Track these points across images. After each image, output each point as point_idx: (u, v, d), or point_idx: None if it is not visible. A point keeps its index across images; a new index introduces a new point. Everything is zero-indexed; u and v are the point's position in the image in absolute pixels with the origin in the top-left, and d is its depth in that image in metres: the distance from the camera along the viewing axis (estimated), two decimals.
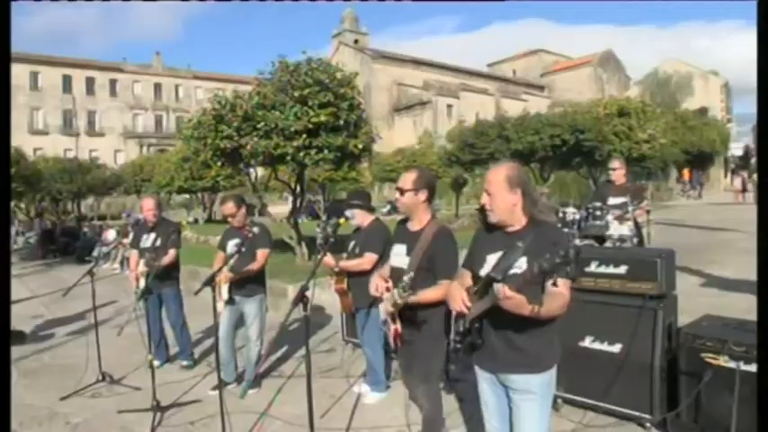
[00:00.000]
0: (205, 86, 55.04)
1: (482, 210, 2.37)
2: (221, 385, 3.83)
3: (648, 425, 3.51)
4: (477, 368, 2.44)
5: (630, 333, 3.54)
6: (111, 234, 15.37)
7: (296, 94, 7.86)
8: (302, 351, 5.71)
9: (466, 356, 2.45)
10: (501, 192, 2.25)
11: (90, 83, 54.08)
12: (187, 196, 28.38)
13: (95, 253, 14.22)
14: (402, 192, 2.98)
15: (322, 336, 6.31)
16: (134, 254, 5.51)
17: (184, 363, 5.44)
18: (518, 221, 2.29)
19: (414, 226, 3.04)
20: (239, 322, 4.75)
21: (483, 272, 2.26)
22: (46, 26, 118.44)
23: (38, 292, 10.55)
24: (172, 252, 5.24)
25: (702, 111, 39.59)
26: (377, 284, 2.94)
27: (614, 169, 6.30)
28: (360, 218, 4.21)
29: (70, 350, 6.20)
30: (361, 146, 8.50)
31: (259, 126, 7.95)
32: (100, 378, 4.96)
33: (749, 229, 7.01)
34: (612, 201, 5.96)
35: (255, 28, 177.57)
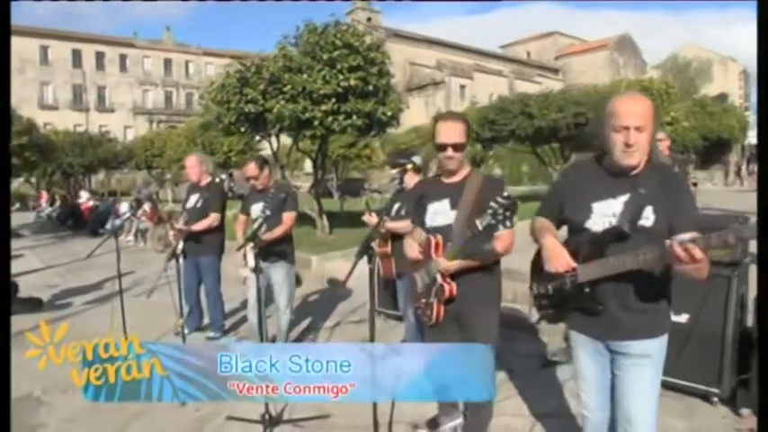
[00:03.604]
0: (216, 63, 54.53)
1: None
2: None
3: (716, 399, 3.29)
4: (576, 335, 2.17)
5: (699, 302, 3.30)
6: (124, 206, 15.20)
7: (324, 56, 7.58)
8: (329, 322, 5.56)
9: (554, 323, 2.22)
10: (651, 126, 1.91)
11: (100, 57, 53.73)
12: None
13: (109, 225, 14.11)
14: (457, 147, 2.62)
15: (349, 306, 6.09)
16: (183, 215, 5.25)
17: (211, 334, 5.18)
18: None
19: (451, 178, 2.72)
20: (267, 290, 4.52)
21: (590, 224, 2.00)
22: (56, 5, 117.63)
23: (51, 263, 10.40)
24: (212, 215, 4.91)
25: (722, 97, 38.87)
26: (411, 245, 2.70)
27: (660, 140, 6.03)
28: (408, 178, 3.95)
29: (90, 318, 6.01)
30: (389, 113, 8.22)
31: (286, 89, 7.67)
32: None
33: None
34: None
35: (266, 8, 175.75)
